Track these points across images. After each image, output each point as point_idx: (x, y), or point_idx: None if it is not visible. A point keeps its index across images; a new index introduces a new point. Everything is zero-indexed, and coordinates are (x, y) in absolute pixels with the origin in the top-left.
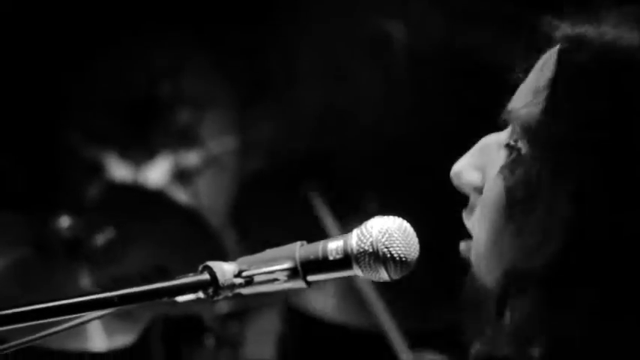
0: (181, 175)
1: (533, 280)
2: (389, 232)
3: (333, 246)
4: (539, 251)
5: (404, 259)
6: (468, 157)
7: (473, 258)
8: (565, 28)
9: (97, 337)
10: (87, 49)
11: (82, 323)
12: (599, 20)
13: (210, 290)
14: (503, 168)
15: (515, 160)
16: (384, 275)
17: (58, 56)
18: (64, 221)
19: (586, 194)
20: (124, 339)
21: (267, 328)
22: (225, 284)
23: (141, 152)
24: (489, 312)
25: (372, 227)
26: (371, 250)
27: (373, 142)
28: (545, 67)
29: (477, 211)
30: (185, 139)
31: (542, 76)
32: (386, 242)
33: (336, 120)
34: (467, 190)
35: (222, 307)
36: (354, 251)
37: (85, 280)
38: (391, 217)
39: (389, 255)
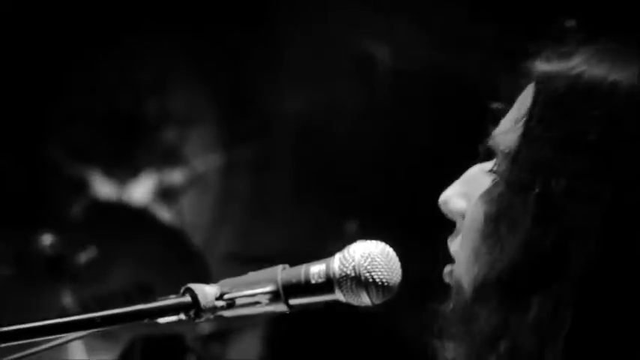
0: (165, 194)
1: (494, 291)
2: (371, 256)
3: (316, 270)
4: (499, 265)
5: (386, 283)
6: (456, 185)
7: (454, 281)
8: (541, 65)
9: (78, 355)
10: (72, 65)
11: (63, 343)
12: (570, 56)
13: (192, 312)
14: (484, 192)
15: (495, 184)
16: (365, 300)
17: (41, 72)
18: (47, 239)
19: (541, 213)
20: (104, 357)
21: (249, 349)
22: (207, 307)
23: (125, 170)
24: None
25: (354, 251)
26: (353, 274)
27: (352, 161)
28: (525, 98)
29: (460, 237)
30: (170, 157)
31: (522, 107)
32: (368, 267)
33: (316, 138)
34: (454, 217)
35: (204, 327)
36: (337, 275)
37: (68, 299)
38: (374, 242)
39: (371, 280)
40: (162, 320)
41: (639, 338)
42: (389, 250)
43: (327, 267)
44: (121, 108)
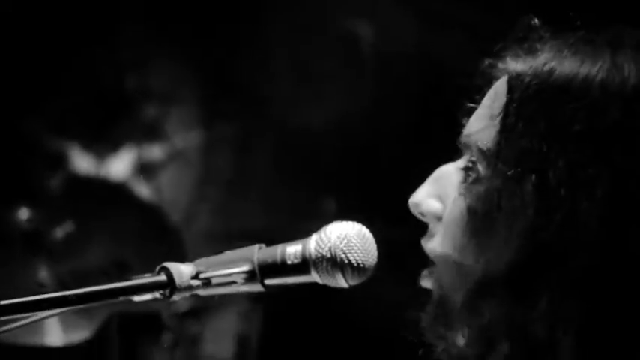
0: (144, 170)
1: (500, 286)
2: (348, 237)
3: (292, 250)
4: (502, 260)
5: (362, 265)
6: (426, 186)
7: (435, 282)
8: (510, 62)
9: (54, 332)
10: (52, 39)
11: (39, 320)
12: (537, 52)
13: (167, 291)
14: (463, 189)
15: (474, 181)
16: (341, 281)
17: (21, 47)
18: (24, 213)
19: (543, 204)
20: (80, 334)
21: (226, 326)
22: (182, 286)
23: (104, 145)
24: (454, 321)
25: (331, 232)
26: (329, 255)
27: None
28: (496, 95)
29: (439, 236)
30: (150, 133)
31: (495, 104)
32: (344, 248)
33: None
34: (427, 219)
35: (181, 305)
36: (312, 256)
37: (44, 273)
38: (350, 223)
39: (347, 261)
40: (137, 298)
41: None
42: (365, 232)
43: (304, 247)
44: (101, 83)
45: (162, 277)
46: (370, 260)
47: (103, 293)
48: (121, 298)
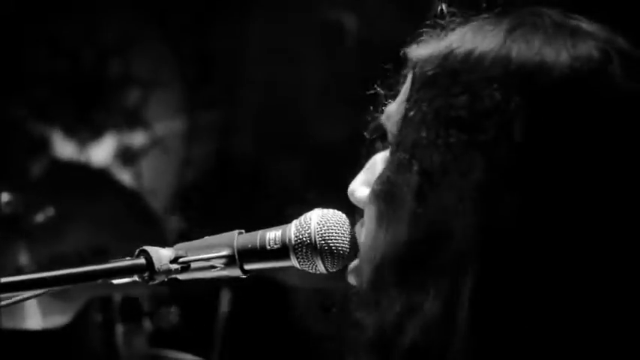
0: (126, 156)
1: (391, 269)
2: (328, 224)
3: (272, 235)
4: (392, 245)
5: (341, 251)
6: (361, 174)
7: (356, 272)
8: (416, 50)
9: (33, 316)
10: (35, 24)
11: (17, 302)
12: (443, 38)
13: (146, 275)
14: (377, 177)
15: (384, 168)
16: (320, 267)
17: (3, 31)
18: (4, 197)
19: (421, 190)
20: (59, 319)
21: None
22: (161, 269)
23: (86, 130)
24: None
25: (311, 219)
26: (309, 241)
27: (315, 128)
28: (407, 82)
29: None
30: (131, 119)
31: (403, 92)
32: (324, 234)
33: (280, 104)
34: (361, 206)
35: (161, 290)
36: (292, 242)
37: (23, 258)
38: (331, 210)
39: (326, 247)
40: (116, 281)
41: (531, 299)
42: (345, 219)
43: (283, 233)
44: (83, 68)
45: (142, 260)
46: (349, 247)
47: (82, 276)
48: (100, 281)
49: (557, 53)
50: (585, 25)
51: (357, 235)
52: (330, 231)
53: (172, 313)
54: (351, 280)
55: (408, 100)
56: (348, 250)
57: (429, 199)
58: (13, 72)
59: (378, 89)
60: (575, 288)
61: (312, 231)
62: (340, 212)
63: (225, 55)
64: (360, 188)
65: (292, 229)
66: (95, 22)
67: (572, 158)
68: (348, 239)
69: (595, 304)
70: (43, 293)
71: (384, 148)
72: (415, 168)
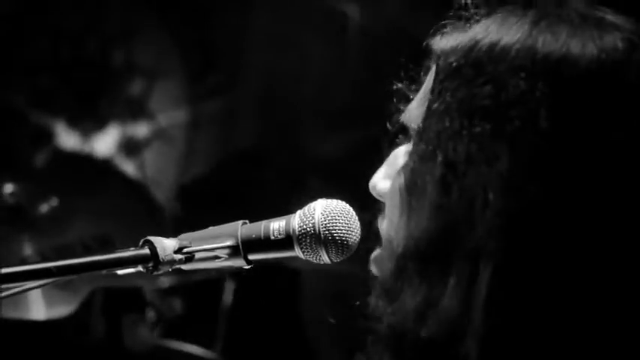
0: (129, 146)
1: (413, 262)
2: (332, 214)
3: (276, 226)
4: (415, 236)
5: (345, 242)
6: (382, 168)
7: (377, 262)
8: (440, 41)
9: (37, 307)
10: (38, 13)
11: (21, 292)
12: (468, 30)
13: (150, 265)
14: (399, 169)
15: (407, 160)
16: (324, 257)
17: (6, 20)
18: (8, 188)
19: (445, 180)
20: (63, 309)
21: None
22: (165, 260)
23: (90, 121)
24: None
25: (314, 209)
26: (313, 231)
27: (318, 118)
28: (431, 74)
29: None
30: (135, 109)
31: (427, 85)
32: (328, 225)
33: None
34: (382, 199)
35: (164, 281)
36: (296, 232)
37: (27, 248)
38: (335, 200)
39: (330, 237)
40: (120, 272)
41: (551, 292)
42: (349, 209)
43: (287, 223)
44: (87, 59)
45: (146, 250)
46: (354, 238)
47: (86, 266)
48: (105, 271)
49: (583, 44)
50: (610, 16)
51: (378, 227)
52: (334, 221)
53: (176, 304)
54: (374, 270)
55: (432, 91)
56: (352, 239)
57: (453, 189)
58: (16, 62)
59: (398, 84)
60: (597, 279)
61: (316, 221)
62: (344, 202)
63: (228, 45)
64: (381, 181)
65: (296, 220)
66: (98, 12)
67: (597, 147)
68: (352, 229)
69: (621, 298)
70: (47, 284)
71: (405, 143)
72: (439, 158)
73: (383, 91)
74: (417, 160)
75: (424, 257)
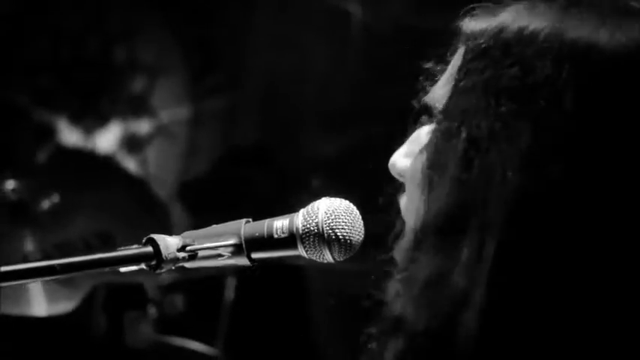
0: (131, 143)
1: (428, 237)
2: (335, 213)
3: (279, 224)
4: (432, 211)
5: (349, 241)
6: (403, 147)
7: (399, 249)
8: (469, 23)
9: (39, 303)
10: (39, 10)
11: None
12: (498, 14)
13: (153, 263)
14: (422, 147)
15: (430, 138)
16: (328, 256)
17: (8, 18)
18: (10, 184)
19: (466, 157)
20: (65, 305)
21: None
22: (168, 258)
23: (92, 118)
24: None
25: (318, 208)
26: (316, 230)
27: (320, 116)
28: (458, 57)
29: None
30: (137, 106)
31: (454, 66)
32: (332, 224)
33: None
34: (401, 178)
35: (165, 278)
36: (300, 231)
37: (29, 245)
38: (338, 199)
39: (334, 236)
40: (123, 269)
41: (555, 274)
42: (353, 208)
43: (291, 222)
44: (89, 56)
45: (149, 248)
46: (357, 236)
47: (89, 263)
48: (107, 269)
49: (612, 32)
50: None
51: (400, 204)
52: (338, 220)
53: (178, 300)
54: (396, 256)
55: (459, 70)
56: (356, 238)
57: (474, 164)
58: (18, 60)
59: (424, 65)
60: (605, 266)
61: (320, 220)
62: (348, 202)
63: (230, 42)
64: (401, 159)
65: (300, 218)
66: (100, 9)
67: (620, 132)
68: (356, 228)
69: (630, 288)
70: (49, 280)
71: (428, 123)
72: (463, 135)
73: (384, 92)
74: (441, 137)
75: (441, 231)
